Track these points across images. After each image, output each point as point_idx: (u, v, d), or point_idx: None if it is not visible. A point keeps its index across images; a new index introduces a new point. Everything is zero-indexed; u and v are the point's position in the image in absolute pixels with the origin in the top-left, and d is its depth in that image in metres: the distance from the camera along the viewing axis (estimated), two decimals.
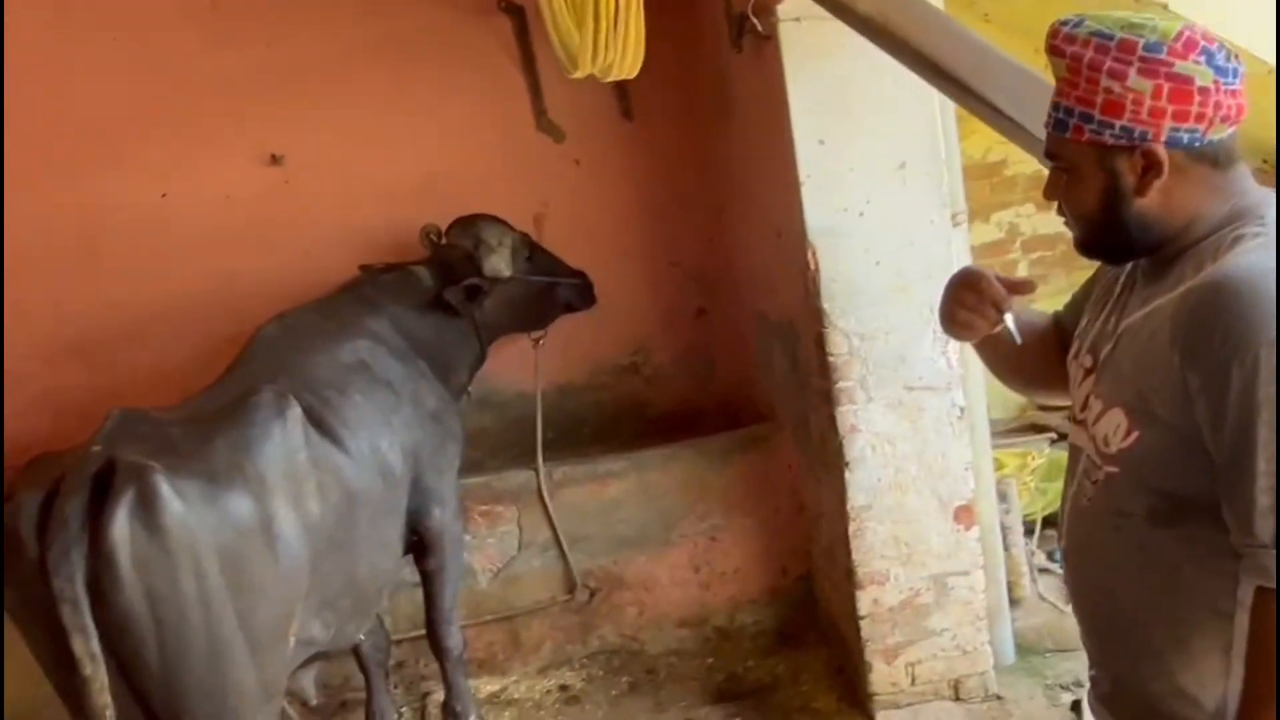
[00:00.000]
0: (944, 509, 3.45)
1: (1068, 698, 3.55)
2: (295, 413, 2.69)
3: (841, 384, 3.36)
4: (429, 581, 3.54)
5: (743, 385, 4.70)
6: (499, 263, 3.82)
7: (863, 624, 3.50)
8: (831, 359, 3.35)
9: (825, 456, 3.55)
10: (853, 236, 3.29)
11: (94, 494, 2.25)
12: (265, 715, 2.48)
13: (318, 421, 2.87)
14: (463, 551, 3.72)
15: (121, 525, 2.20)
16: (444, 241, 3.95)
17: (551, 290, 4.08)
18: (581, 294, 4.17)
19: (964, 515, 3.46)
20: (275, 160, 4.50)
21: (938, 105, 3.29)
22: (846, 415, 3.38)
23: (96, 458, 2.29)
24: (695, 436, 4.39)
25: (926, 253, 3.31)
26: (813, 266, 3.30)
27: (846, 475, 3.41)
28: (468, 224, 3.93)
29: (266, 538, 2.46)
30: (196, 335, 4.53)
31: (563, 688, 4.09)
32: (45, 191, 4.42)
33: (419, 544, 3.45)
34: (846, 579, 3.53)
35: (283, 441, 2.61)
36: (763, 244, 3.90)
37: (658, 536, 4.16)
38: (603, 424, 4.74)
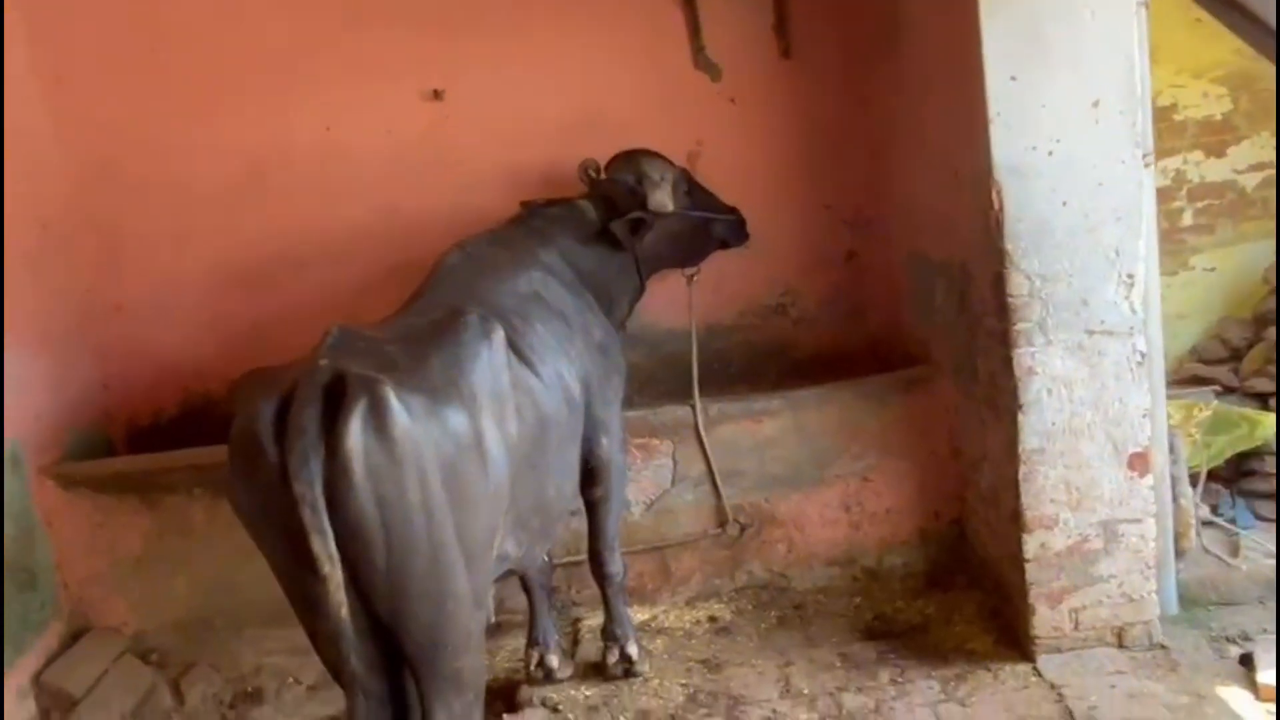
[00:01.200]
0: (1118, 455, 3.41)
1: (1235, 650, 3.50)
2: (500, 336, 2.77)
3: (1020, 326, 3.32)
4: (594, 509, 3.63)
5: (891, 329, 4.67)
6: (663, 197, 3.85)
7: (1028, 567, 3.49)
8: (1011, 300, 3.31)
9: (996, 399, 3.53)
10: (1041, 176, 3.23)
11: (326, 404, 2.35)
12: (475, 622, 2.58)
13: (512, 346, 2.95)
14: (626, 481, 3.80)
15: (356, 434, 2.29)
16: (603, 177, 4.00)
17: (708, 226, 4.11)
18: (736, 231, 4.19)
19: (1138, 462, 3.42)
20: (436, 96, 4.59)
21: (1135, 41, 3.20)
22: (1023, 358, 3.34)
23: (325, 370, 2.38)
24: (843, 378, 4.40)
25: (1116, 194, 3.24)
26: (997, 206, 3.25)
27: (1020, 418, 3.38)
28: (629, 159, 3.97)
29: (479, 453, 2.54)
30: (357, 266, 4.69)
31: (712, 619, 4.17)
32: (216, 124, 4.59)
33: (587, 472, 3.54)
34: (1012, 522, 3.51)
35: (489, 363, 2.69)
36: (932, 183, 3.86)
37: (810, 475, 4.19)
38: (749, 364, 4.78)
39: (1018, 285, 3.30)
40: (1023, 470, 3.42)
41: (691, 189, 4.06)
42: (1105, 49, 3.17)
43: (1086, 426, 3.39)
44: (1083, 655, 3.54)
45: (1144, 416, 3.40)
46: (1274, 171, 4.66)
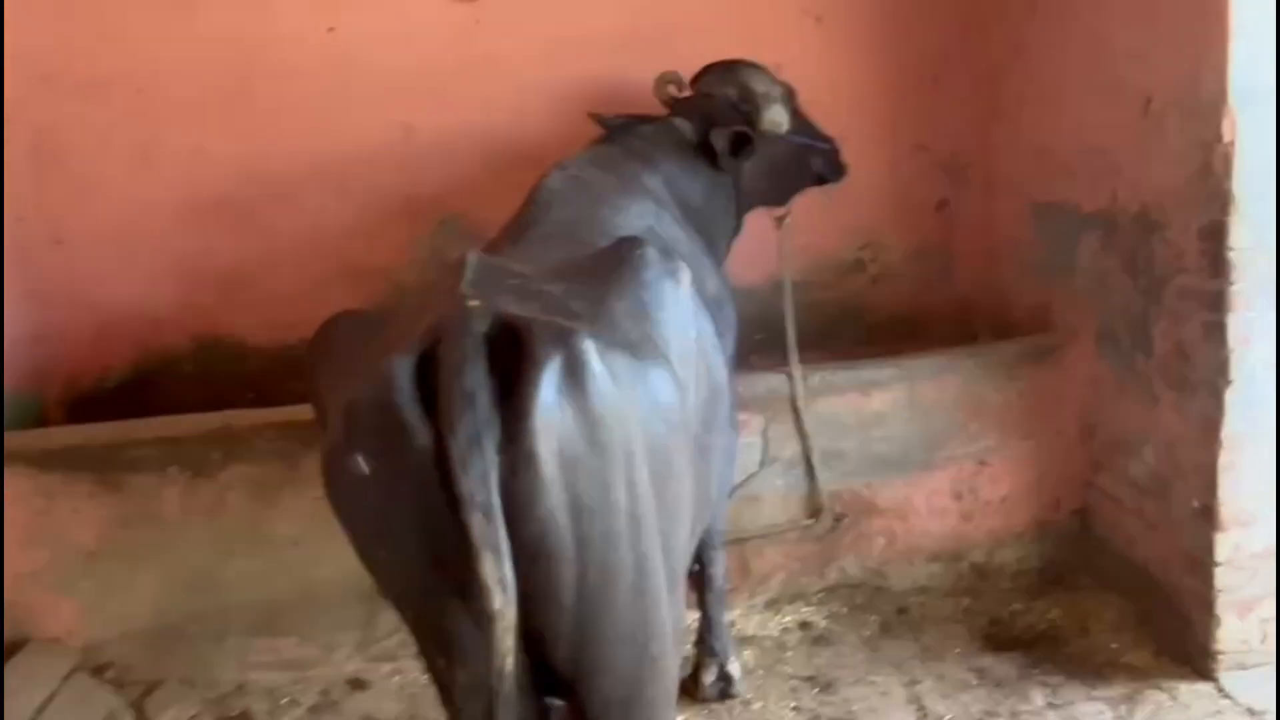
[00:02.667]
0: None
1: None
2: (688, 277, 2.06)
3: (1238, 286, 2.77)
4: None
5: (986, 290, 4.11)
6: (779, 114, 3.19)
7: (1218, 571, 2.97)
8: (1231, 254, 2.75)
9: (1186, 373, 2.97)
10: None
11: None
12: (677, 668, 1.89)
13: None
14: (735, 464, 3.14)
15: (550, 408, 1.57)
16: (686, 94, 3.32)
17: (806, 156, 3.45)
18: (833, 164, 3.54)
19: None
20: None
21: None
22: (1240, 324, 2.79)
23: (482, 314, 1.64)
24: (926, 346, 3.82)
25: None
26: (1228, 139, 2.68)
27: (1226, 395, 2.84)
28: (727, 70, 3.31)
29: (686, 433, 1.84)
30: (361, 198, 3.93)
31: (803, 625, 3.56)
32: (190, 14, 3.73)
33: None
34: (1201, 518, 2.98)
35: (676, 311, 1.98)
36: (1094, 117, 3.27)
37: (919, 458, 3.59)
38: (818, 327, 4.11)
39: (1241, 237, 2.74)
40: (1223, 458, 2.89)
41: (795, 111, 3.40)
42: None
43: None
44: (1270, 674, 3.04)
45: None
46: None
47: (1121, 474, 3.40)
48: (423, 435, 1.59)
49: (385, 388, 1.62)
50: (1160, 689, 3.06)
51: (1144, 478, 3.27)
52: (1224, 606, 2.99)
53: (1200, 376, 2.92)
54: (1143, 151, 3.02)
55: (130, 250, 3.84)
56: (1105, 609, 3.47)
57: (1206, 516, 2.96)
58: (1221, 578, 2.98)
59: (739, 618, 3.59)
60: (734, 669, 3.14)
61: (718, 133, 3.09)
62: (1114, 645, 3.29)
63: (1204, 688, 3.04)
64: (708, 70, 3.33)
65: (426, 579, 1.69)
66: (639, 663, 1.77)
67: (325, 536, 3.38)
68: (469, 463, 1.53)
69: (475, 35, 3.82)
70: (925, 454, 3.59)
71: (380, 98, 3.81)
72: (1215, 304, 2.82)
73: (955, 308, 4.21)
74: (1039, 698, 3.09)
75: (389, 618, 3.05)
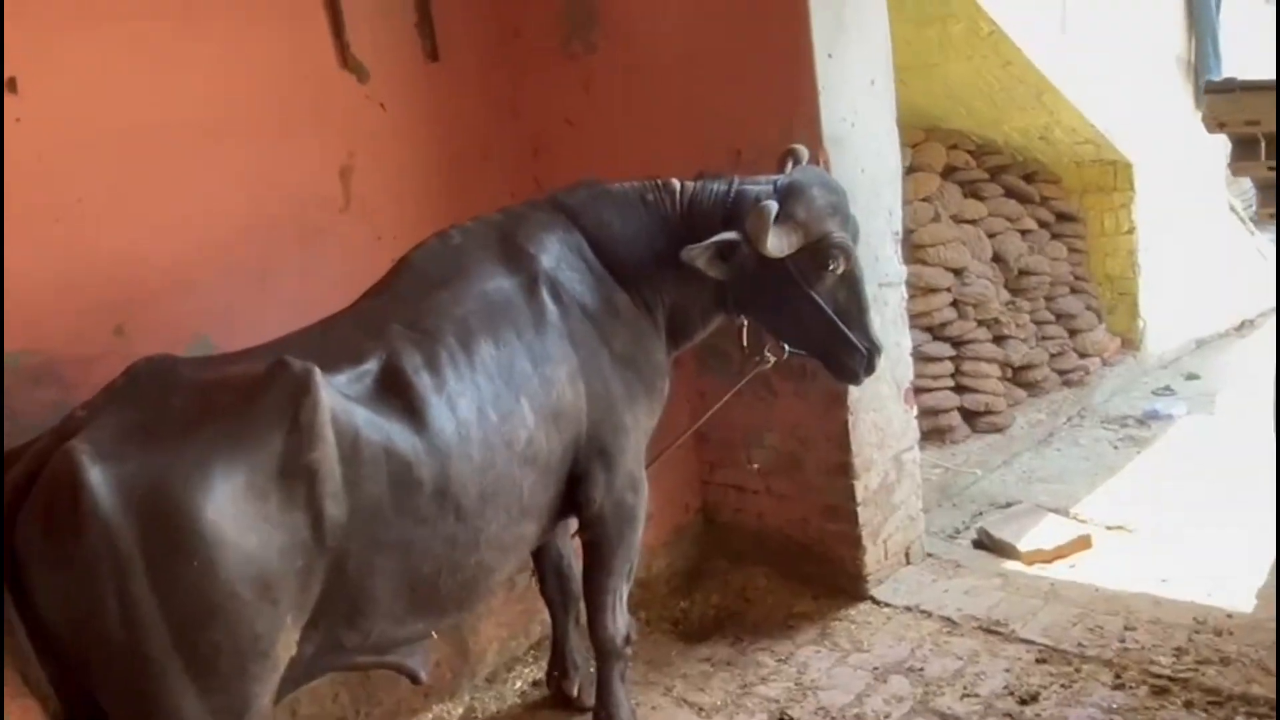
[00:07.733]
0: (899, 392, 3.89)
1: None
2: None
3: None
4: None
5: None
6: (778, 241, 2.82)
7: (860, 511, 3.76)
8: None
9: (803, 364, 3.71)
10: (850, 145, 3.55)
11: None
12: None
13: None
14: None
15: None
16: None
17: (814, 323, 3.03)
18: (850, 359, 3.10)
19: (910, 396, 3.96)
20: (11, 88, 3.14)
21: None
22: None
23: None
24: None
25: (891, 160, 3.74)
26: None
27: None
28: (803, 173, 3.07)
29: None
30: None
31: (534, 684, 3.60)
32: None
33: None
34: (838, 474, 3.75)
35: None
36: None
37: None
38: None
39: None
40: (850, 420, 3.68)
41: (841, 275, 3.00)
42: None
43: (883, 372, 3.77)
44: (899, 576, 3.92)
45: (910, 355, 3.93)
46: None
47: (742, 465, 4.06)
48: None
49: None
50: (838, 619, 3.76)
51: (769, 460, 3.96)
52: (866, 538, 3.80)
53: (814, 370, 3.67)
54: None
55: None
56: (753, 579, 4.08)
57: (844, 471, 3.74)
58: (862, 515, 3.78)
59: (472, 703, 3.53)
60: None
61: (694, 249, 2.78)
62: (780, 602, 3.91)
63: (865, 605, 3.80)
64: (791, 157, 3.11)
65: None
66: None
67: None
68: None
69: (17, 134, 3.15)
70: None
71: None
72: None
73: None
74: (768, 660, 3.59)
75: None
